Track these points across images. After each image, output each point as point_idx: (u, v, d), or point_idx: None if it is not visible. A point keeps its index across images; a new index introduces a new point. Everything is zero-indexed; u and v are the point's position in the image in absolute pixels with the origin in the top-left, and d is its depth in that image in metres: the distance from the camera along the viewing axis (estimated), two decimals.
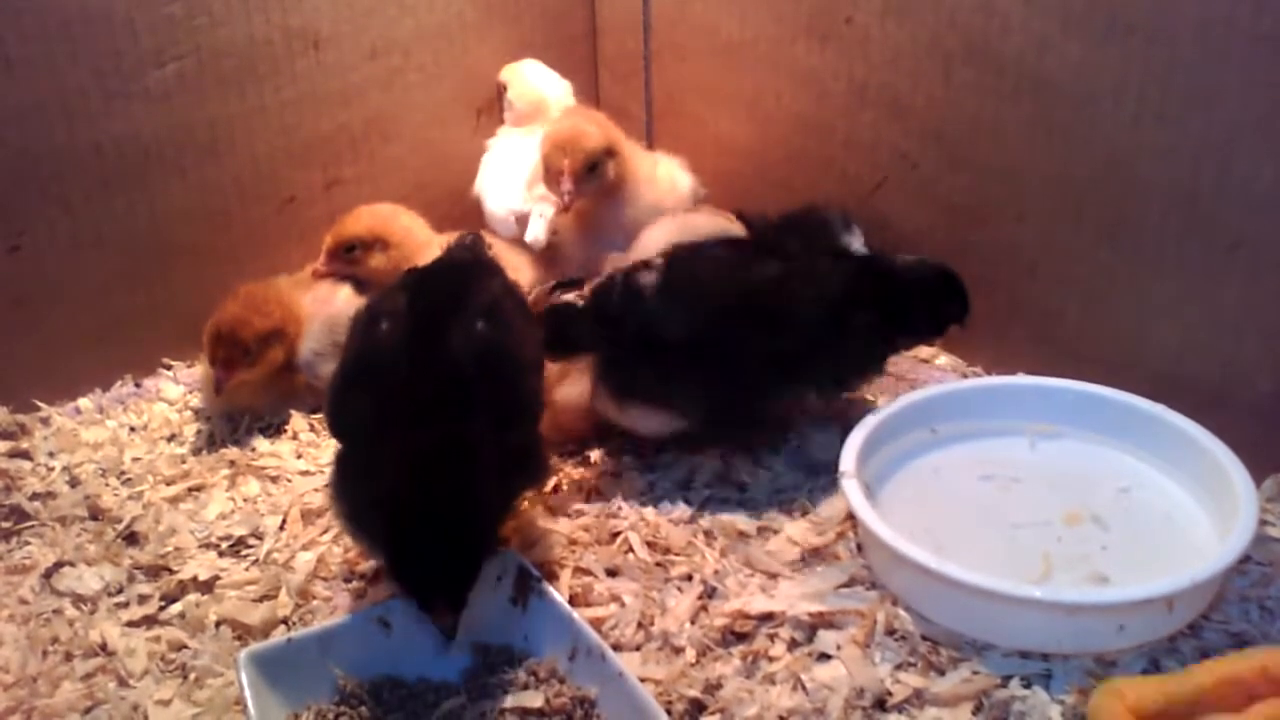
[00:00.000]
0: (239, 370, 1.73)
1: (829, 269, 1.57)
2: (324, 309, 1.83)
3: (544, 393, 1.46)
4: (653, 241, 1.75)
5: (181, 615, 1.41)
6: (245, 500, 1.63)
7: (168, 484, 1.67)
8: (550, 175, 1.86)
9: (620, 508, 1.55)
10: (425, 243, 1.88)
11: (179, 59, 1.83)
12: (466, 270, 1.48)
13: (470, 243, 1.62)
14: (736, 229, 1.77)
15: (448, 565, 1.20)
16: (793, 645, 1.30)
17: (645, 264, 1.53)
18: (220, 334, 1.72)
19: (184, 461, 1.73)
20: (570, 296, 1.61)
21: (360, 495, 1.28)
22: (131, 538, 1.55)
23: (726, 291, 1.52)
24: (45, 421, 1.83)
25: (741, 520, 1.50)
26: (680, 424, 1.56)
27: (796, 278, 1.54)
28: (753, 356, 1.51)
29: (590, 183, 1.87)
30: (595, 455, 1.68)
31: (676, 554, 1.46)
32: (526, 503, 1.54)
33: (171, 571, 1.48)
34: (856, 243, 1.84)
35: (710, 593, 1.39)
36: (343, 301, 1.83)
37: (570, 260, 1.96)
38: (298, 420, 1.80)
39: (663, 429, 1.57)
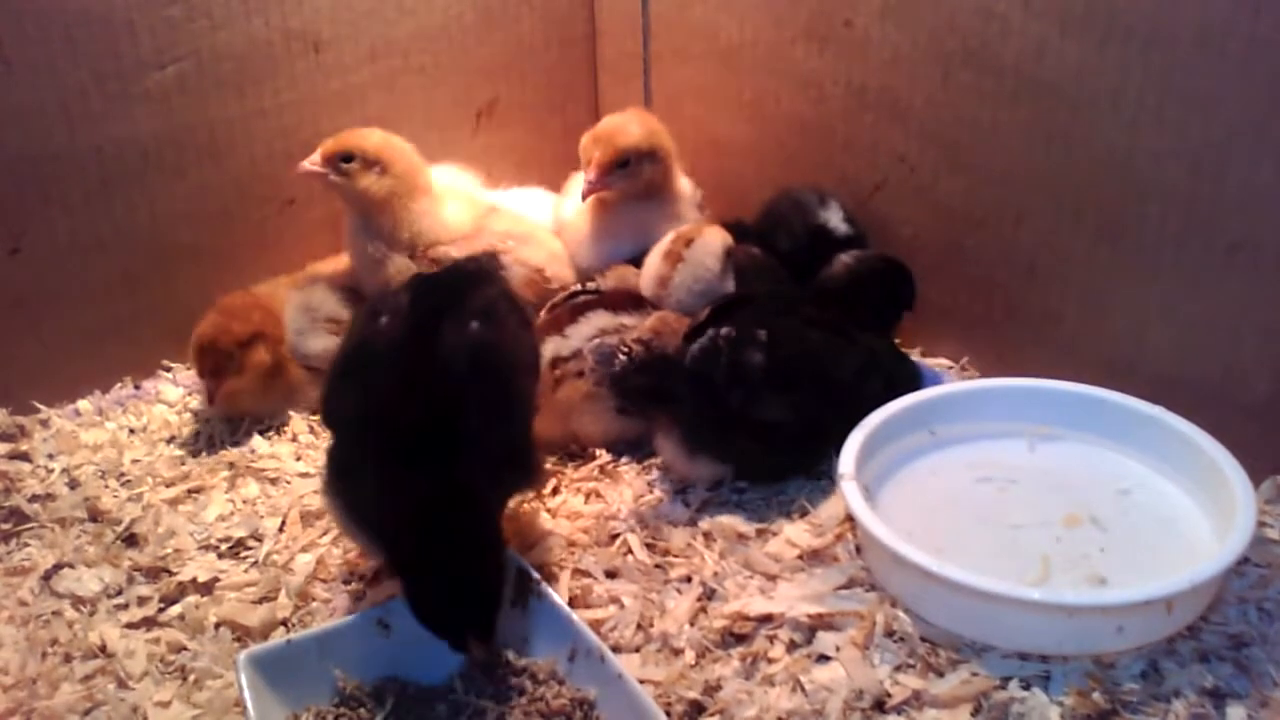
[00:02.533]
0: (227, 378, 1.74)
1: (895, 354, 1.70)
2: (298, 296, 1.85)
3: (537, 396, 1.46)
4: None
5: (181, 617, 1.41)
6: (245, 502, 1.63)
7: (167, 486, 1.67)
8: (583, 165, 1.86)
9: (619, 509, 1.56)
10: (422, 187, 1.85)
11: (179, 61, 1.83)
12: (468, 276, 1.49)
13: (485, 260, 1.62)
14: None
15: (472, 610, 1.21)
16: (792, 647, 1.30)
17: (750, 338, 1.52)
18: (202, 345, 1.74)
19: (183, 463, 1.73)
20: (632, 342, 1.61)
21: (351, 491, 1.29)
22: (131, 539, 1.55)
23: (825, 381, 1.56)
24: (45, 423, 1.83)
25: (740, 522, 1.50)
26: (729, 472, 1.59)
27: (873, 368, 1.61)
28: (828, 431, 1.53)
29: (619, 179, 1.85)
30: (595, 457, 1.68)
31: (676, 556, 1.46)
32: (526, 505, 1.54)
33: (171, 573, 1.48)
34: (835, 218, 1.88)
35: (709, 594, 1.39)
36: (320, 289, 1.86)
37: (577, 255, 1.94)
38: (297, 422, 1.80)
39: (715, 477, 1.59)
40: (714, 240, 1.75)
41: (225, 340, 1.73)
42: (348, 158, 1.79)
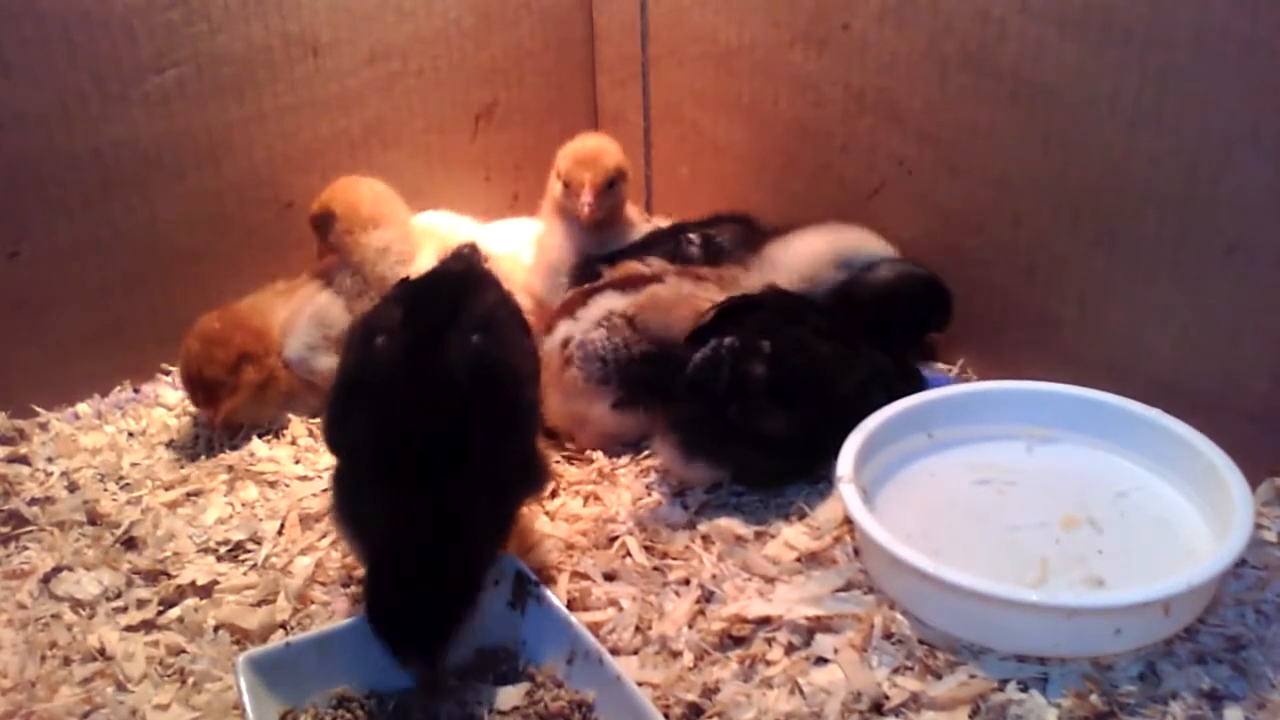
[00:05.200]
0: (223, 402, 1.75)
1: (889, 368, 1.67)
2: (309, 305, 1.84)
3: (540, 403, 1.46)
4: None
5: (180, 620, 1.41)
6: (243, 505, 1.63)
7: (166, 489, 1.67)
8: (571, 190, 1.87)
9: (618, 512, 1.56)
10: (368, 217, 1.87)
11: (178, 65, 1.84)
12: (461, 282, 1.48)
13: (466, 253, 1.61)
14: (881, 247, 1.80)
15: (423, 624, 1.18)
16: (790, 649, 1.30)
17: (754, 349, 1.52)
18: (191, 378, 1.75)
19: (182, 466, 1.73)
20: (618, 317, 1.63)
21: (358, 512, 1.27)
22: (130, 543, 1.56)
23: (827, 394, 1.55)
24: (44, 427, 1.83)
25: (739, 525, 1.51)
26: (726, 475, 1.59)
27: (876, 382, 1.60)
28: (827, 442, 1.51)
29: (608, 199, 1.88)
30: (593, 459, 1.68)
31: (674, 558, 1.46)
32: (525, 508, 1.54)
33: (170, 576, 1.48)
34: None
35: (708, 597, 1.39)
36: (327, 296, 1.85)
37: (533, 285, 1.94)
38: (296, 425, 1.80)
39: (712, 481, 1.59)
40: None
41: (212, 370, 1.73)
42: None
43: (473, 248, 1.63)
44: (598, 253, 1.89)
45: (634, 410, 1.60)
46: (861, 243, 1.78)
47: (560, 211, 1.93)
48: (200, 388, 1.74)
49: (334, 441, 1.35)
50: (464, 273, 1.53)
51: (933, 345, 1.85)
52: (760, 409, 1.52)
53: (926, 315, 1.76)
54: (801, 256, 1.77)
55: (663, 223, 2.11)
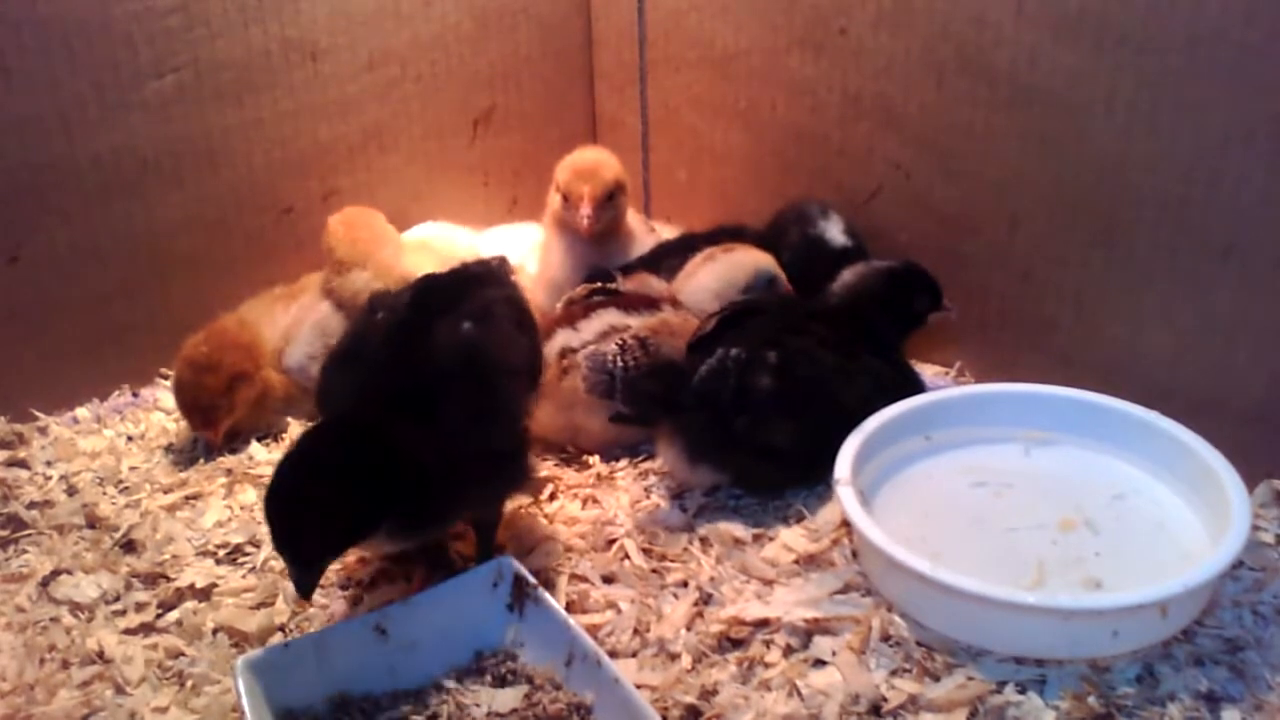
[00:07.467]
0: (221, 424, 1.75)
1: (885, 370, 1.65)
2: (310, 315, 1.84)
3: (530, 401, 1.47)
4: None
5: (179, 623, 1.41)
6: (242, 508, 1.63)
7: (165, 492, 1.67)
8: (571, 202, 1.88)
9: (616, 515, 1.56)
10: (345, 262, 1.87)
11: (177, 70, 1.84)
12: (474, 278, 1.52)
13: (495, 264, 1.63)
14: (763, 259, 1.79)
15: (303, 523, 1.19)
16: (788, 651, 1.31)
17: (760, 360, 1.52)
18: (185, 406, 1.75)
19: (181, 470, 1.73)
20: (629, 338, 1.63)
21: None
22: (129, 546, 1.56)
23: (832, 406, 1.55)
24: (43, 431, 1.83)
25: (737, 527, 1.51)
26: (728, 480, 1.59)
27: (879, 392, 1.59)
28: (831, 451, 1.50)
29: (608, 212, 1.89)
30: (591, 462, 1.68)
31: (672, 561, 1.47)
32: (523, 510, 1.55)
33: (169, 579, 1.48)
34: (834, 229, 1.89)
35: (706, 599, 1.39)
36: (328, 306, 1.85)
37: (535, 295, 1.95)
38: (295, 429, 1.80)
39: (715, 484, 1.59)
40: (750, 259, 1.78)
41: (205, 397, 1.73)
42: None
43: (502, 261, 1.65)
44: (601, 265, 1.89)
45: (634, 425, 1.60)
46: (750, 262, 1.77)
47: (560, 225, 1.94)
48: (196, 413, 1.74)
49: (320, 401, 1.41)
50: (481, 274, 1.56)
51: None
52: (767, 420, 1.52)
53: (909, 304, 1.71)
54: (702, 293, 1.76)
55: (662, 227, 2.11)
